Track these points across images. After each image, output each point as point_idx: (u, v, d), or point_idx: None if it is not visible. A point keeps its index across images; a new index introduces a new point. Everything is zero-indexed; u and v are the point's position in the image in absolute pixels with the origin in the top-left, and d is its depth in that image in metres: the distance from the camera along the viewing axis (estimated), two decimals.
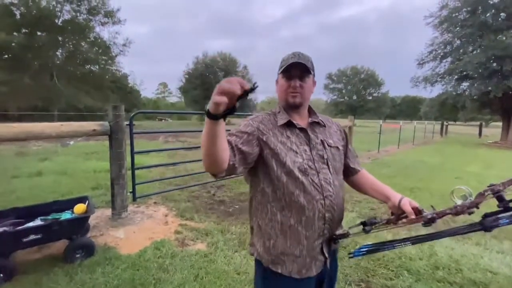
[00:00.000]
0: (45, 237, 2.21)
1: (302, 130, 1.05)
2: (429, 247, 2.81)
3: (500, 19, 14.80)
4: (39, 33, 20.00)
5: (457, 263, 2.51)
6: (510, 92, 14.49)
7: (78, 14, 21.07)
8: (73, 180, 4.96)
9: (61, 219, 2.36)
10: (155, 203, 3.87)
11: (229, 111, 0.69)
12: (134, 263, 2.32)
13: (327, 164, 1.03)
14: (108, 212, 3.30)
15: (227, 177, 0.92)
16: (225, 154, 0.82)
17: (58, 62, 21.74)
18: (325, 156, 1.04)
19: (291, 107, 1.06)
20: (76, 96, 21.56)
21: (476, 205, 0.80)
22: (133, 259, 2.38)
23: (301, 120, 1.07)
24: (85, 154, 7.82)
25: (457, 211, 0.82)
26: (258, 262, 1.08)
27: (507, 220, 0.76)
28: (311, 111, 1.13)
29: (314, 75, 1.07)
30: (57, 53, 21.94)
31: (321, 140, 1.06)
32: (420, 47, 25.13)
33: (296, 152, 1.00)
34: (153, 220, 3.28)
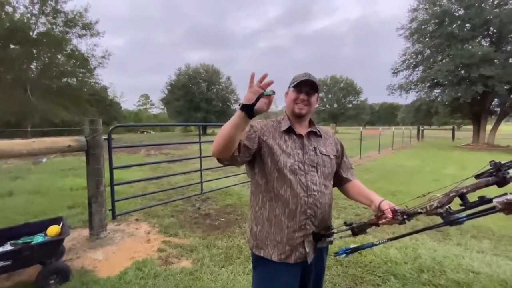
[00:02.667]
0: (15, 263, 2.05)
1: (300, 136, 1.21)
2: (413, 250, 2.87)
3: (465, 29, 15.86)
4: (12, 46, 19.17)
5: (441, 265, 2.57)
6: (478, 97, 15.45)
7: (54, 26, 20.45)
8: (47, 199, 4.68)
9: (32, 243, 2.20)
10: (136, 220, 3.71)
11: (254, 104, 0.90)
12: (113, 287, 2.19)
13: (316, 168, 1.18)
14: (86, 232, 3.12)
15: (227, 166, 1.18)
16: (235, 145, 1.02)
17: (32, 75, 20.86)
18: (316, 161, 1.18)
19: (296, 116, 1.22)
20: (52, 110, 20.63)
21: (442, 205, 0.88)
22: (113, 282, 2.24)
23: (301, 129, 1.23)
24: (61, 171, 7.43)
25: (427, 211, 0.91)
26: None
27: (465, 218, 0.86)
28: (311, 123, 1.29)
29: (318, 93, 1.26)
30: (31, 66, 21.07)
31: (314, 147, 1.21)
32: (390, 56, 26.45)
33: (289, 154, 1.15)
34: (135, 238, 3.13)
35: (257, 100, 0.90)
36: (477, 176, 0.87)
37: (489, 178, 0.81)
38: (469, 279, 2.35)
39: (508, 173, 0.78)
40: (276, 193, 1.15)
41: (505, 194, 0.76)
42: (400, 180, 6.53)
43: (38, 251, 2.14)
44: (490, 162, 0.84)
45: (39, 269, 2.17)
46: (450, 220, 0.87)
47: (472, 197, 0.85)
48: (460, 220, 0.86)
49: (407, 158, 10.79)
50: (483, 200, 0.80)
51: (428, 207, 0.91)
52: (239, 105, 0.93)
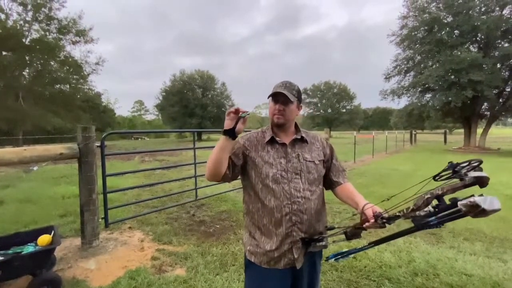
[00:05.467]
0: (5, 274, 2.01)
1: (283, 145, 1.23)
2: (407, 253, 2.89)
3: (454, 36, 16.29)
4: (4, 53, 18.99)
5: (434, 268, 2.59)
6: (468, 102, 15.78)
7: (47, 33, 20.35)
8: (38, 208, 4.59)
9: (23, 253, 2.16)
10: (130, 228, 3.66)
11: (234, 127, 1.07)
12: None
13: (300, 175, 1.19)
14: (78, 241, 3.07)
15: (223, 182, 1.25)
16: (225, 166, 1.13)
17: (24, 82, 20.63)
18: (299, 168, 1.20)
19: (276, 126, 1.25)
20: (44, 117, 20.36)
21: (418, 208, 0.85)
22: None
23: (285, 137, 1.25)
24: (53, 178, 7.31)
25: (404, 214, 0.89)
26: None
27: (436, 221, 0.82)
28: (297, 129, 1.30)
29: (300, 101, 1.26)
30: (23, 72, 20.87)
31: (297, 154, 1.22)
32: (381, 61, 26.99)
33: (272, 164, 1.19)
34: (128, 246, 3.09)
35: (236, 123, 1.08)
36: (434, 177, 0.87)
37: (466, 178, 0.79)
38: (462, 282, 2.37)
39: (466, 174, 0.77)
40: (262, 204, 1.19)
41: (471, 196, 0.72)
42: (394, 183, 6.59)
43: (29, 261, 2.10)
44: (448, 162, 0.84)
45: (29, 280, 2.12)
46: (421, 224, 0.84)
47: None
48: (431, 224, 0.82)
49: (400, 162, 10.90)
50: (454, 203, 0.77)
51: (405, 210, 0.89)
52: (220, 131, 1.07)
